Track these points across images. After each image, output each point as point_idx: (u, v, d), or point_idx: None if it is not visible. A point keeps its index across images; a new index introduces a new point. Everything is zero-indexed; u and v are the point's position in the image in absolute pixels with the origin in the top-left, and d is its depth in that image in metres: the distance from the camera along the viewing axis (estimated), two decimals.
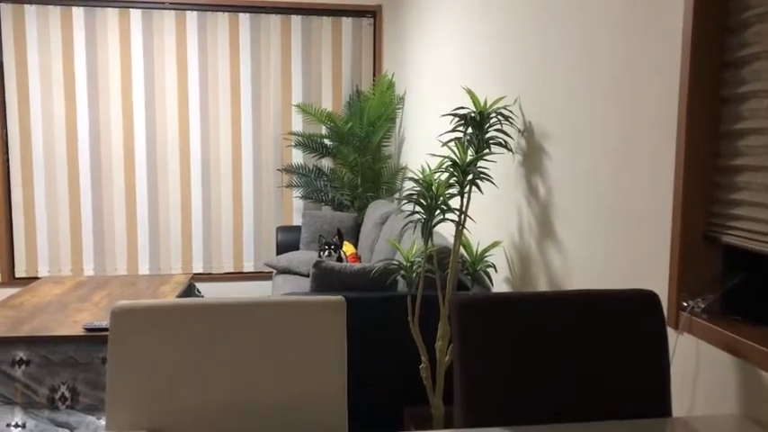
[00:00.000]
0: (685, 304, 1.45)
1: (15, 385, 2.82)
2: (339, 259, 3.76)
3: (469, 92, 2.42)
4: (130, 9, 4.97)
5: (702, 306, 1.42)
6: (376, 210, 4.21)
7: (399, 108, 4.79)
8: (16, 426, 2.76)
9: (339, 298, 1.31)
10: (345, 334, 1.29)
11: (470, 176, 2.36)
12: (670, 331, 1.48)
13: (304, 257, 4.20)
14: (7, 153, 4.94)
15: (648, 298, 1.35)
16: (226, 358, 1.23)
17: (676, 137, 1.44)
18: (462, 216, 2.40)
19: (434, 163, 3.65)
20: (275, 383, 1.24)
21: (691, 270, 1.44)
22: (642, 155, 1.60)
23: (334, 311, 1.29)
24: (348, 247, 4.13)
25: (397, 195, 4.88)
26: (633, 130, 1.64)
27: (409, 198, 2.39)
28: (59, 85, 4.95)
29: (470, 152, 2.39)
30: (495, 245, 2.53)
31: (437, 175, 2.40)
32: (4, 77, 4.89)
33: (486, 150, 2.36)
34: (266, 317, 1.26)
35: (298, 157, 5.27)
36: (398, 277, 2.82)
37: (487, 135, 2.38)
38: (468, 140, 2.40)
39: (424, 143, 4.02)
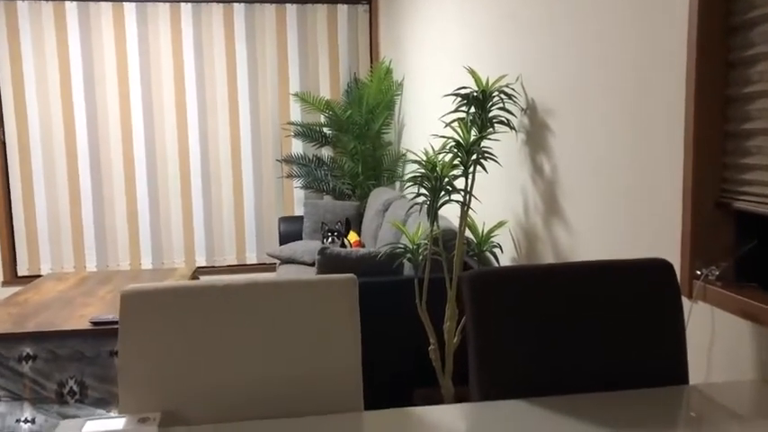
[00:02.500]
0: (699, 273, 1.43)
1: (23, 381, 2.82)
2: (343, 246, 3.75)
3: (471, 71, 2.40)
4: (124, 2, 4.93)
5: (717, 273, 1.40)
6: (378, 197, 4.19)
7: (398, 94, 4.76)
8: (26, 421, 2.76)
9: (351, 275, 1.29)
10: (358, 311, 1.28)
11: (474, 156, 2.34)
12: (684, 300, 1.46)
13: (307, 247, 4.18)
14: (5, 150, 4.92)
15: (663, 266, 1.34)
16: (239, 339, 1.22)
17: (685, 103, 1.43)
18: (467, 196, 2.39)
19: (437, 146, 3.63)
20: (289, 363, 1.23)
21: (703, 238, 1.43)
22: (651, 124, 1.58)
23: (347, 289, 1.28)
24: (352, 236, 4.12)
25: (398, 182, 4.86)
26: (641, 99, 1.62)
27: (413, 180, 2.37)
28: (55, 80, 4.92)
29: (474, 132, 2.37)
30: (500, 225, 2.52)
31: (441, 156, 2.38)
32: None
33: (490, 129, 2.35)
34: (279, 297, 1.25)
35: (297, 147, 5.25)
36: (404, 261, 2.80)
37: (490, 114, 2.36)
38: (471, 120, 2.38)
39: (424, 128, 4.00)
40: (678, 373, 1.30)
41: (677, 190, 1.48)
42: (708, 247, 1.43)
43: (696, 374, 1.46)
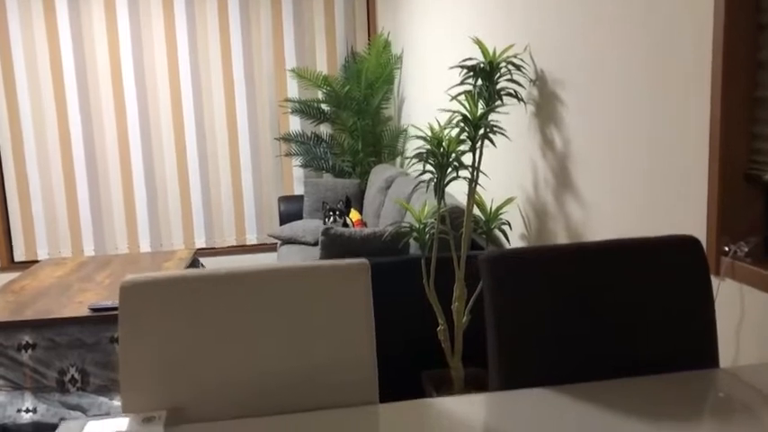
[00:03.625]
0: (727, 249, 1.37)
1: (23, 370, 2.76)
2: (345, 225, 3.68)
3: (478, 41, 2.30)
4: None
5: (746, 250, 1.34)
6: (379, 174, 4.11)
7: (397, 68, 4.65)
8: (27, 411, 2.71)
9: (363, 261, 1.22)
10: (371, 297, 1.21)
11: (482, 130, 2.26)
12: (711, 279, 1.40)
13: (308, 226, 4.11)
14: None
15: (689, 243, 1.27)
16: (246, 330, 1.15)
17: (712, 67, 1.34)
18: (475, 172, 2.31)
19: (442, 121, 3.54)
20: (300, 354, 1.16)
21: (731, 212, 1.36)
22: (672, 91, 1.50)
23: (359, 275, 1.21)
24: (353, 214, 4.04)
25: (399, 159, 4.77)
26: (661, 64, 1.54)
27: (419, 157, 2.29)
28: (45, 62, 4.79)
29: (481, 105, 2.29)
30: (509, 201, 2.44)
31: (447, 131, 2.30)
32: None
33: (498, 102, 2.26)
34: (286, 284, 1.18)
35: (295, 124, 5.15)
36: (410, 240, 2.73)
37: (498, 86, 2.27)
38: (477, 93, 2.29)
39: (427, 101, 3.91)
40: (708, 356, 1.24)
41: (702, 162, 1.41)
42: (736, 222, 1.36)
43: (725, 355, 1.39)
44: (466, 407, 1.07)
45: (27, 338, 2.78)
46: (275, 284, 1.18)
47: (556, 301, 1.22)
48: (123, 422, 0.99)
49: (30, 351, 2.77)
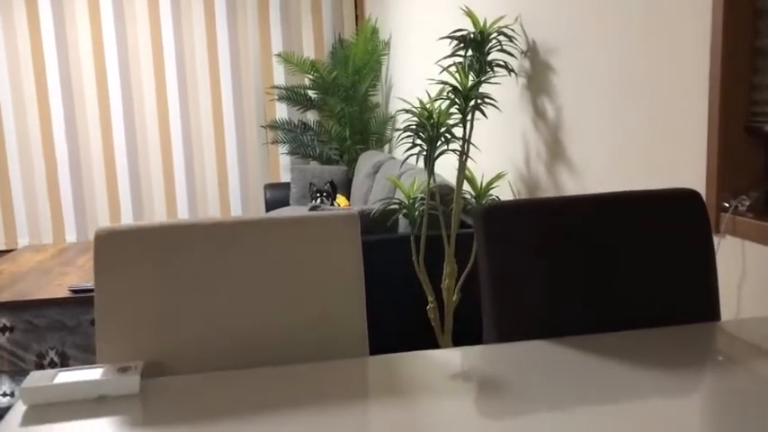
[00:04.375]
0: (727, 204, 1.33)
1: (1, 353, 2.67)
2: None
3: (468, 12, 2.25)
4: None
5: (747, 204, 1.30)
6: (367, 160, 4.06)
7: (385, 54, 4.60)
8: (4, 395, 2.62)
9: (352, 211, 1.17)
10: (361, 250, 1.16)
11: (473, 102, 2.21)
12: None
13: (295, 213, 4.04)
14: None
15: (690, 196, 1.23)
16: (230, 282, 1.10)
17: (712, 16, 1.30)
18: (466, 145, 2.26)
19: (432, 96, 3.49)
20: (286, 307, 1.11)
21: (732, 166, 1.32)
22: (668, 44, 1.46)
23: (348, 226, 1.16)
24: (341, 200, 3.99)
25: (387, 146, 4.72)
26: (657, 14, 1.50)
27: (408, 129, 2.24)
28: (26, 46, 4.68)
29: (471, 77, 2.24)
30: (499, 177, 2.40)
31: (437, 103, 2.25)
32: None
33: (489, 73, 2.21)
34: (272, 235, 1.12)
35: (282, 111, 5.08)
36: (399, 218, 2.68)
37: (489, 57, 2.23)
38: (468, 65, 2.24)
39: (416, 83, 3.86)
40: (709, 309, 1.20)
41: (700, 115, 1.37)
42: (736, 176, 1.32)
43: (726, 312, 1.36)
44: (459, 359, 1.01)
45: (4, 321, 2.69)
46: (261, 235, 1.12)
47: (552, 253, 1.17)
48: (97, 372, 0.93)
49: (8, 334, 2.69)
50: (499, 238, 1.17)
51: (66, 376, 0.92)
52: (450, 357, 1.02)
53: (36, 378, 0.91)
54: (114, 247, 1.07)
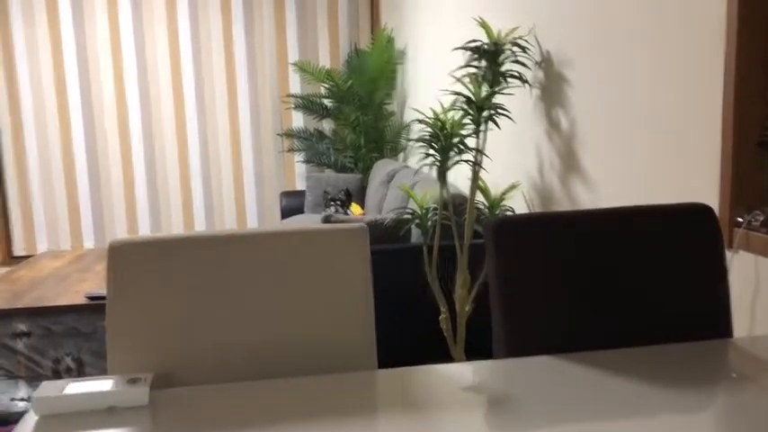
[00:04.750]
0: (740, 219, 1.31)
1: (18, 358, 2.71)
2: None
3: (482, 22, 2.26)
4: None
5: (761, 219, 1.28)
6: (382, 169, 4.07)
7: (400, 63, 4.61)
8: (21, 400, 2.66)
9: (361, 224, 1.17)
10: (370, 263, 1.16)
11: (486, 113, 2.21)
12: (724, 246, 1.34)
13: (310, 221, 4.07)
14: None
15: (702, 211, 1.22)
16: (240, 294, 1.11)
17: (726, 31, 1.30)
18: (479, 156, 2.26)
19: (446, 107, 3.49)
20: (296, 318, 1.11)
21: (746, 182, 1.31)
22: (682, 59, 1.45)
23: (357, 239, 1.16)
24: (355, 208, 4.00)
25: (401, 154, 4.73)
26: (671, 29, 1.49)
27: (421, 140, 2.24)
28: (47, 54, 4.76)
29: (485, 87, 2.24)
30: (513, 187, 2.39)
31: (450, 113, 2.25)
32: None
33: (503, 84, 2.21)
34: (283, 247, 1.13)
35: (298, 120, 5.11)
36: (412, 228, 2.69)
37: (503, 68, 2.23)
38: (482, 75, 2.24)
39: (430, 94, 3.86)
40: (721, 326, 1.19)
41: (713, 130, 1.36)
42: (750, 191, 1.31)
43: (739, 328, 1.34)
44: (468, 373, 1.01)
45: (22, 326, 2.73)
46: (272, 248, 1.13)
47: (563, 268, 1.17)
48: (107, 383, 0.94)
49: (25, 339, 2.73)
50: (510, 252, 1.17)
51: (76, 387, 0.93)
52: (458, 372, 1.01)
53: (47, 388, 0.93)
54: (127, 258, 1.09)
